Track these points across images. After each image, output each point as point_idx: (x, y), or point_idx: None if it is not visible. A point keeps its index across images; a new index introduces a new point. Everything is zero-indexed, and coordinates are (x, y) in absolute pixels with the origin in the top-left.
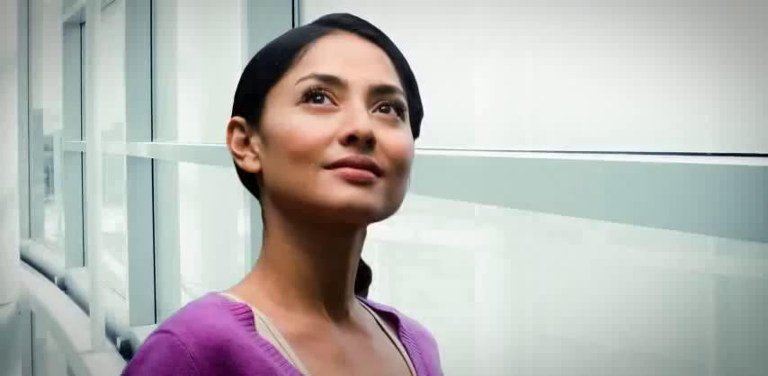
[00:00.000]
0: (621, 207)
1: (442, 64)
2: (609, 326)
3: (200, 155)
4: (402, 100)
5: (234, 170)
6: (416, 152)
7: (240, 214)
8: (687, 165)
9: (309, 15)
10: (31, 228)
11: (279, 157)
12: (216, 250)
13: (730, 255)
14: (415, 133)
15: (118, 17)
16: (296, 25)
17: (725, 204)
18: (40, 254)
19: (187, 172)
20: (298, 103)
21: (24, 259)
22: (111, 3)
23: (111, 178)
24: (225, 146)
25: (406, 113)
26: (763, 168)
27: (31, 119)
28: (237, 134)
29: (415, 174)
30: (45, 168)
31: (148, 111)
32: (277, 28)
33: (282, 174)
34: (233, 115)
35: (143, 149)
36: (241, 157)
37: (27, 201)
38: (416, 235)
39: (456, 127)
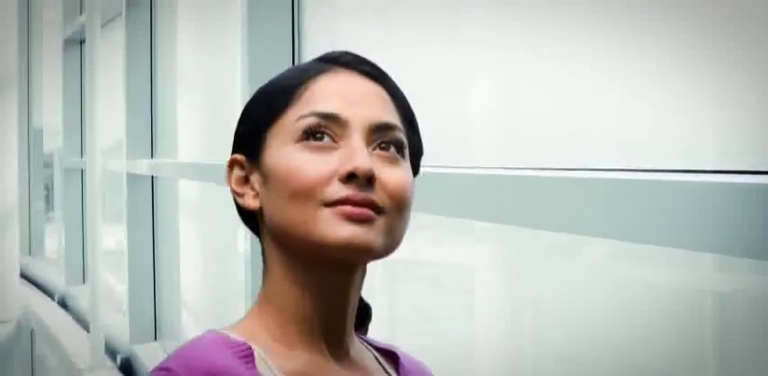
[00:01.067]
0: (620, 224)
1: (439, 78)
2: (608, 342)
3: (200, 172)
4: (402, 138)
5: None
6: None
7: (240, 231)
8: (686, 182)
9: (309, 32)
10: (32, 246)
11: (279, 195)
12: (216, 267)
13: (730, 273)
14: (415, 171)
15: (118, 34)
16: (295, 42)
17: (724, 222)
18: (40, 271)
19: (187, 189)
20: (298, 141)
21: (25, 277)
22: (111, 20)
23: (110, 195)
24: (224, 163)
25: (406, 151)
26: (762, 186)
27: (30, 136)
28: (237, 172)
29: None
30: (45, 186)
31: (148, 128)
32: (277, 45)
33: (283, 212)
34: (233, 153)
35: (143, 166)
36: (241, 195)
37: (27, 219)
38: (415, 251)
39: (454, 143)
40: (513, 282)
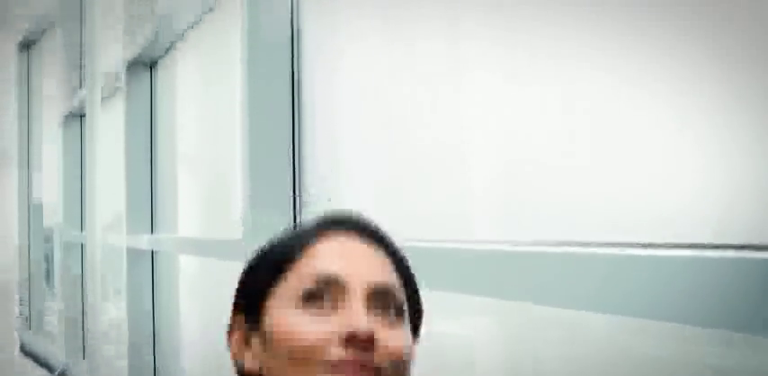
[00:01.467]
0: (620, 299)
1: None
2: None
3: (200, 247)
4: (401, 300)
5: (234, 265)
6: (414, 243)
7: None
8: (685, 257)
9: (306, 111)
10: (32, 321)
11: (279, 358)
12: (217, 342)
13: (731, 348)
14: (415, 332)
15: (118, 109)
16: (295, 119)
17: (724, 297)
18: (40, 346)
19: (187, 264)
20: (298, 304)
21: (25, 351)
22: (111, 95)
23: (110, 269)
24: (224, 240)
25: (406, 313)
26: (761, 261)
27: (30, 210)
28: (237, 335)
29: (413, 265)
30: (45, 259)
31: (148, 202)
32: (276, 120)
33: (283, 374)
34: (233, 315)
35: (143, 241)
36: (241, 358)
37: (27, 294)
38: None
39: (454, 218)
40: (514, 354)
